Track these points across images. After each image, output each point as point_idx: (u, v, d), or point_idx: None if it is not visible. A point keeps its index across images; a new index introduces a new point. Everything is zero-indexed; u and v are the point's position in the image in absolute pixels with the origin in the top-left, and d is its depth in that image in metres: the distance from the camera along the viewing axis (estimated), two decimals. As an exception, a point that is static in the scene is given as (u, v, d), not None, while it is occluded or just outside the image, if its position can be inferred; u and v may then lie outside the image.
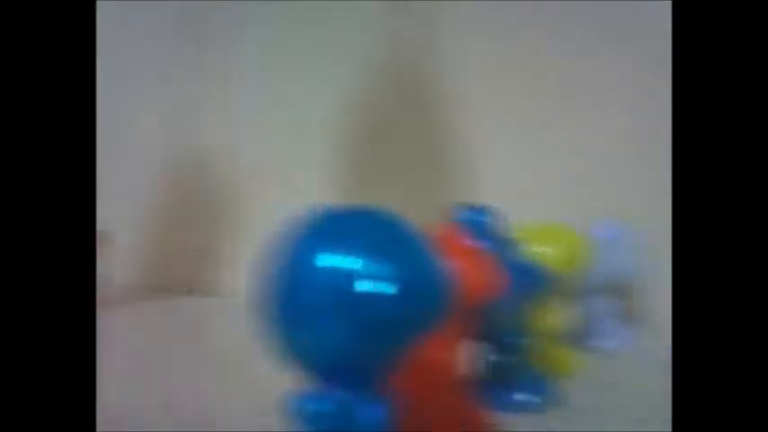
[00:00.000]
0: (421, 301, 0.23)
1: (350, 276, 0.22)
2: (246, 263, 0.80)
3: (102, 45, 0.99)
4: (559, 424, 0.39)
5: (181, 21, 0.93)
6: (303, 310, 0.22)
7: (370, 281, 0.22)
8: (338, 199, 0.80)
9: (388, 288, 0.22)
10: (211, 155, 0.92)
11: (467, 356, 0.36)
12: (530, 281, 0.41)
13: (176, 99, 0.94)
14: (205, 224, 0.92)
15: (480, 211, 0.40)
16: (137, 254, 0.95)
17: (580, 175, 0.67)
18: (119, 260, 0.83)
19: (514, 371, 0.41)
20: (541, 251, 0.45)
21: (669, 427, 0.27)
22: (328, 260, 0.22)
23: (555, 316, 0.47)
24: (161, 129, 0.95)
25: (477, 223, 0.39)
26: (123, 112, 0.97)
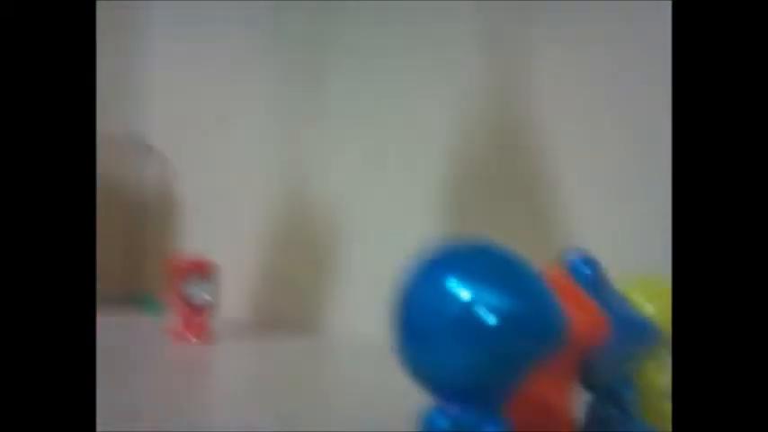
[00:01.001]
0: (539, 334, 0.25)
1: (476, 307, 0.25)
2: (350, 303, 0.83)
3: (216, 85, 1.08)
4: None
5: (299, 72, 1.00)
6: (433, 337, 0.25)
7: (494, 312, 0.25)
8: (438, 235, 0.82)
9: (510, 320, 0.25)
10: (319, 197, 0.97)
11: (574, 401, 0.37)
12: (636, 333, 0.41)
13: (289, 142, 1.00)
14: (310, 263, 0.96)
15: (588, 259, 0.41)
16: (244, 289, 1.00)
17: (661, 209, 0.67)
18: (228, 294, 0.87)
19: (619, 422, 0.41)
20: (650, 307, 0.45)
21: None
22: (458, 291, 0.25)
23: (662, 371, 0.47)
24: (272, 170, 1.01)
25: (586, 271, 0.40)
26: (238, 152, 1.04)
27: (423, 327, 0.26)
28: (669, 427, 0.46)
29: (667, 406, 0.48)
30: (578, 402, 0.41)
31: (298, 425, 0.47)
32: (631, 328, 0.41)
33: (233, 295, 0.93)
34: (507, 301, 0.25)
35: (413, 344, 0.26)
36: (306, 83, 0.99)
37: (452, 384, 0.26)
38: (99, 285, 0.32)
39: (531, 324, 0.25)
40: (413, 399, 0.28)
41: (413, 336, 0.26)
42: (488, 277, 0.25)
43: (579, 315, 0.33)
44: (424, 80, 0.87)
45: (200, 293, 0.82)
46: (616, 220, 0.70)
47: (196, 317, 0.82)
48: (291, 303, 0.98)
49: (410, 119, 0.88)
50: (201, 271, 0.83)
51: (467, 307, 0.25)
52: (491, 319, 0.24)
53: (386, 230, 0.88)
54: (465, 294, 0.25)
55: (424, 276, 0.27)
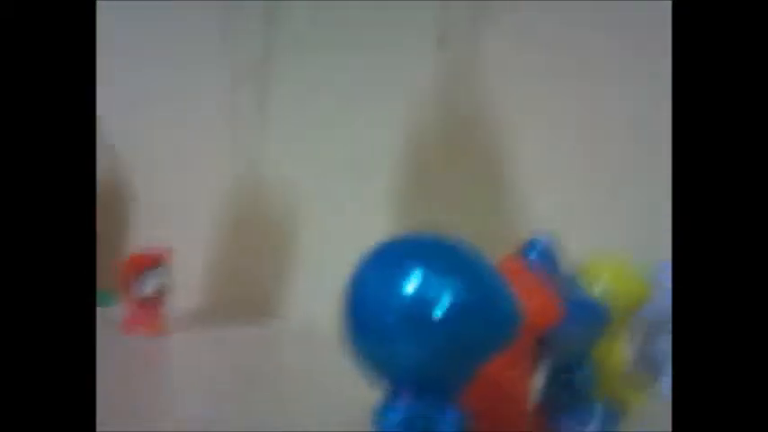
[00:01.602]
0: (493, 322, 0.25)
1: (427, 298, 0.24)
2: (307, 290, 0.82)
3: (168, 75, 1.05)
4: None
5: (244, 51, 0.98)
6: (385, 330, 0.25)
7: (446, 302, 0.24)
8: (394, 227, 0.82)
9: (461, 311, 0.24)
10: (271, 184, 0.95)
11: (530, 382, 0.37)
12: (588, 314, 0.42)
13: (238, 128, 0.98)
14: (265, 250, 0.95)
15: (540, 244, 0.41)
16: (200, 277, 0.98)
17: (629, 201, 0.68)
18: (182, 284, 0.86)
19: (573, 400, 0.42)
20: (600, 287, 0.46)
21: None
22: (408, 283, 0.25)
23: (616, 351, 0.48)
24: (224, 156, 1.00)
25: (537, 257, 0.40)
26: (191, 140, 1.02)
27: (373, 320, 0.25)
28: (625, 401, 0.47)
29: (620, 385, 0.49)
30: (533, 384, 0.42)
31: (256, 416, 0.47)
32: (583, 309, 0.41)
33: (187, 285, 0.91)
34: (458, 292, 0.25)
35: (363, 337, 0.26)
36: (259, 70, 0.97)
37: (404, 377, 0.25)
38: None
39: (483, 314, 0.25)
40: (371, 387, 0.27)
41: (363, 329, 0.26)
42: (438, 268, 0.25)
43: (533, 300, 0.33)
44: (379, 68, 0.86)
45: (152, 284, 0.80)
46: (575, 207, 0.71)
47: (148, 308, 0.80)
48: (247, 292, 0.96)
49: (366, 106, 0.87)
50: (153, 261, 0.81)
51: (416, 299, 0.24)
52: (441, 311, 0.24)
53: (342, 217, 0.87)
54: (414, 286, 0.24)
55: (373, 269, 0.26)
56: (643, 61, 0.69)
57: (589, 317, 0.42)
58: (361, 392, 0.28)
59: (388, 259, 0.26)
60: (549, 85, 0.74)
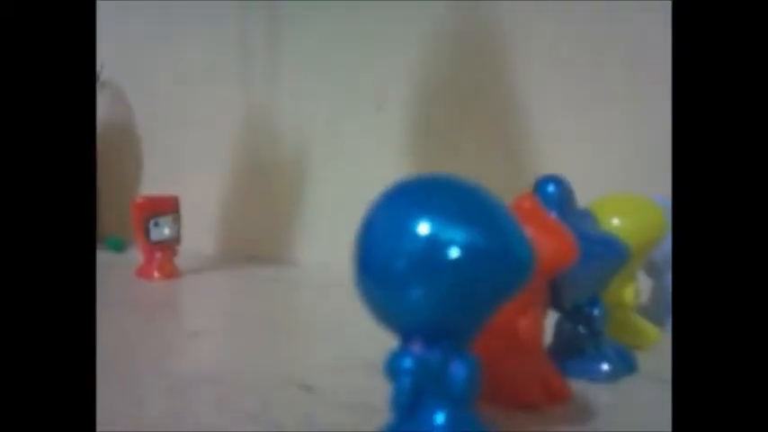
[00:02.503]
0: (507, 266, 0.24)
1: (439, 243, 0.23)
2: (320, 234, 0.82)
3: (173, 20, 1.03)
4: (630, 393, 0.39)
5: (260, 6, 0.95)
6: (396, 276, 0.24)
7: (458, 247, 0.23)
8: (406, 171, 0.81)
9: (473, 254, 0.23)
10: (283, 128, 0.94)
11: (543, 325, 0.37)
12: (604, 252, 0.41)
13: (253, 73, 0.97)
14: (278, 195, 0.95)
15: (554, 181, 0.40)
16: (212, 223, 0.99)
17: (647, 144, 0.66)
18: (193, 229, 0.86)
19: (588, 340, 0.42)
20: (617, 223, 0.45)
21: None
22: (418, 226, 0.24)
23: (630, 288, 0.47)
24: (234, 100, 0.98)
25: (551, 194, 0.39)
26: (200, 84, 1.01)
27: (383, 265, 0.24)
28: (637, 341, 0.47)
29: (635, 323, 0.48)
30: (546, 323, 0.41)
31: (271, 359, 0.47)
32: (599, 246, 0.41)
33: (198, 230, 0.91)
34: (470, 235, 0.24)
35: (374, 283, 0.25)
36: (268, 14, 0.95)
37: (416, 323, 0.25)
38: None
39: (497, 258, 0.24)
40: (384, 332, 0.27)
41: (373, 274, 0.25)
42: (450, 212, 0.24)
43: (548, 240, 0.32)
44: (389, 13, 0.83)
45: (162, 229, 0.80)
46: (591, 149, 0.69)
47: (159, 253, 0.80)
48: (259, 236, 0.96)
49: (377, 46, 0.84)
50: (163, 206, 0.81)
51: (427, 243, 0.23)
52: (452, 254, 0.23)
53: (355, 161, 0.86)
54: (425, 230, 0.24)
55: (383, 213, 0.25)
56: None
57: (606, 254, 0.41)
58: (375, 338, 0.27)
59: (399, 203, 0.25)
60: (566, 29, 0.71)
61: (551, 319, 0.41)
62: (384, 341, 0.27)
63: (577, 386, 0.38)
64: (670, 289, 0.55)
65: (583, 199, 0.43)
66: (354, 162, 0.87)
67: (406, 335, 0.25)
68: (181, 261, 0.81)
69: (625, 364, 0.42)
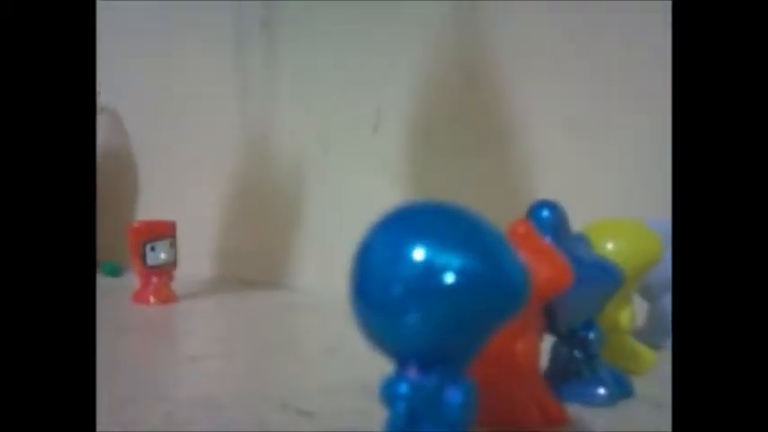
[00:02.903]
0: (502, 292, 0.25)
1: (435, 268, 0.24)
2: (313, 256, 0.82)
3: (170, 45, 1.04)
4: (626, 417, 0.40)
5: (255, 26, 0.96)
6: (392, 301, 0.24)
7: (454, 273, 0.24)
8: (403, 193, 0.81)
9: (469, 280, 0.24)
10: (279, 151, 0.95)
11: (539, 349, 0.37)
12: (599, 276, 0.41)
13: (249, 96, 0.97)
14: (274, 218, 0.95)
15: (548, 207, 0.41)
16: (208, 247, 0.99)
17: (640, 168, 0.67)
18: (190, 253, 0.86)
19: (584, 364, 0.42)
20: (611, 247, 0.45)
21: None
22: (414, 252, 0.24)
23: (626, 312, 0.48)
24: (230, 123, 0.99)
25: (545, 219, 0.40)
26: (196, 107, 1.02)
27: (379, 291, 0.25)
28: (633, 365, 0.47)
29: (631, 347, 0.48)
30: (543, 347, 0.42)
31: (269, 385, 0.47)
32: (593, 271, 0.41)
33: (194, 254, 0.91)
34: (466, 261, 0.24)
35: (370, 309, 0.25)
36: (263, 37, 0.96)
37: (411, 349, 0.25)
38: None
39: (492, 284, 0.24)
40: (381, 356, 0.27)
41: (369, 300, 0.25)
42: (446, 238, 0.24)
43: (542, 266, 0.33)
44: (387, 33, 0.84)
45: (159, 254, 0.80)
46: (589, 172, 0.70)
47: (155, 277, 0.80)
48: (255, 260, 0.96)
49: (372, 72, 0.85)
50: (160, 231, 0.81)
51: (424, 269, 0.24)
52: (448, 280, 0.24)
53: (352, 184, 0.87)
54: (421, 256, 0.24)
55: (379, 239, 0.26)
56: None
57: (601, 279, 0.42)
58: (373, 362, 0.28)
59: (395, 229, 0.26)
60: (563, 48, 0.72)
61: (548, 343, 0.41)
62: (381, 365, 0.27)
63: (574, 410, 0.39)
64: (666, 312, 0.56)
65: (577, 222, 0.44)
66: (351, 185, 0.87)
67: (402, 360, 0.26)
68: (177, 285, 0.81)
69: (621, 388, 0.42)
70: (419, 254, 0.24)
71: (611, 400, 0.41)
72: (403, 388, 0.25)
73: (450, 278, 0.24)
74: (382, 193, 0.82)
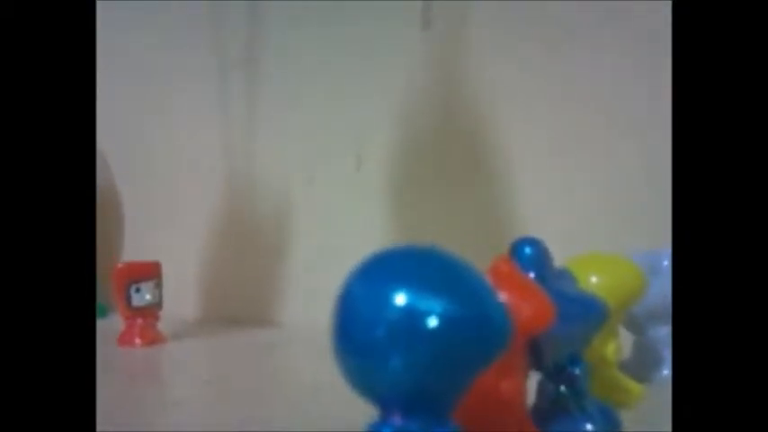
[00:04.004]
0: (485, 335, 0.25)
1: (417, 313, 0.24)
2: (299, 293, 0.82)
3: (155, 80, 1.05)
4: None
5: (237, 62, 0.97)
6: (375, 346, 0.24)
7: (436, 316, 0.24)
8: (383, 224, 0.81)
9: (451, 324, 0.24)
10: (263, 188, 0.95)
11: (525, 387, 0.37)
12: (583, 311, 0.41)
13: (232, 135, 0.98)
14: (258, 256, 0.95)
15: (530, 243, 0.41)
16: (193, 287, 0.98)
17: (622, 202, 0.68)
18: (176, 294, 0.86)
19: (572, 400, 0.42)
20: (595, 281, 0.46)
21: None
22: (395, 296, 0.24)
23: (612, 345, 0.47)
24: (213, 160, 0.99)
25: (528, 256, 0.40)
26: (180, 145, 1.02)
27: (360, 335, 0.25)
28: (620, 399, 0.47)
29: (619, 380, 0.48)
30: (528, 384, 0.41)
31: (255, 422, 0.46)
32: (578, 306, 0.41)
33: (180, 294, 0.90)
34: (447, 304, 0.24)
35: (351, 353, 0.25)
36: (246, 72, 0.96)
37: (394, 394, 0.25)
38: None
39: (475, 327, 0.24)
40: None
41: (351, 344, 0.25)
42: (428, 282, 0.25)
43: (525, 304, 0.33)
44: (368, 67, 0.85)
45: (144, 295, 0.79)
46: (572, 210, 0.70)
47: (141, 319, 0.79)
48: (241, 298, 0.96)
49: (355, 106, 0.86)
50: (144, 272, 0.81)
51: (406, 313, 0.24)
52: (430, 324, 0.24)
53: (336, 219, 0.87)
54: (404, 301, 0.24)
55: (361, 284, 0.26)
56: (644, 46, 0.68)
57: (586, 314, 0.42)
58: (357, 403, 0.27)
59: (375, 274, 0.26)
60: (542, 71, 0.73)
61: (533, 379, 0.41)
62: (368, 406, 0.27)
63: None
64: (652, 344, 0.56)
65: (562, 254, 0.44)
66: (335, 220, 0.87)
67: (386, 406, 0.25)
68: (163, 326, 0.81)
69: (609, 423, 0.42)
70: (400, 299, 0.24)
71: (599, 436, 0.41)
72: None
73: (432, 322, 0.24)
74: (368, 227, 0.82)
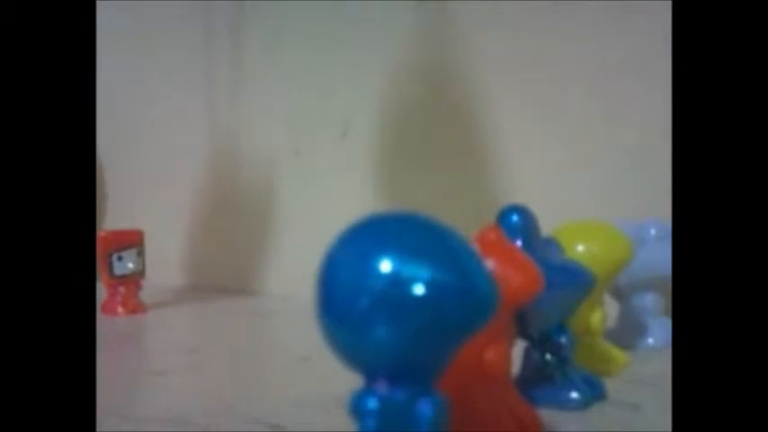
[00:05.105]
0: (471, 303, 0.24)
1: (402, 280, 0.23)
2: (285, 262, 0.81)
3: (136, 51, 1.03)
4: (600, 420, 0.39)
5: (222, 30, 0.95)
6: (358, 314, 0.24)
7: (422, 284, 0.23)
8: (370, 196, 0.81)
9: (437, 291, 0.23)
10: (250, 158, 0.94)
11: (511, 355, 0.37)
12: (570, 280, 0.41)
13: (217, 102, 0.96)
14: (244, 225, 0.94)
15: (517, 211, 0.40)
16: (177, 255, 0.97)
17: (608, 173, 0.67)
18: (160, 262, 0.85)
19: (557, 369, 0.42)
20: (582, 250, 0.45)
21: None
22: (380, 264, 0.23)
23: (597, 314, 0.47)
24: (197, 128, 0.98)
25: (515, 223, 0.40)
26: (164, 114, 1.00)
27: (345, 303, 0.24)
28: (605, 367, 0.47)
29: (603, 349, 0.48)
30: (514, 353, 0.41)
31: (239, 399, 0.46)
32: (564, 275, 0.41)
33: (164, 263, 0.90)
34: (433, 272, 0.23)
35: (336, 322, 0.25)
36: (231, 42, 0.94)
37: (380, 362, 0.24)
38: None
39: (460, 294, 0.24)
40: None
41: (335, 313, 0.25)
42: (414, 249, 0.24)
43: (513, 273, 0.32)
44: (356, 39, 0.84)
45: (126, 263, 0.79)
46: (559, 180, 0.70)
47: (123, 287, 0.78)
48: (225, 267, 0.95)
49: (342, 75, 0.85)
50: (127, 240, 0.79)
51: (391, 281, 0.23)
52: (416, 291, 0.23)
53: (323, 189, 0.86)
54: (387, 267, 0.23)
55: (345, 251, 0.25)
56: (634, 15, 0.67)
57: (572, 283, 0.42)
58: (343, 373, 0.27)
59: (360, 241, 0.25)
60: (530, 42, 0.72)
61: (519, 348, 0.41)
62: (354, 376, 0.26)
63: (547, 415, 0.38)
64: (636, 312, 0.56)
65: (548, 226, 0.43)
66: (322, 190, 0.86)
67: (371, 374, 0.25)
68: (146, 295, 0.80)
69: (594, 392, 0.42)
70: (386, 266, 0.24)
71: (584, 404, 0.41)
72: (372, 403, 0.24)
73: (418, 289, 0.23)
74: (354, 197, 0.81)
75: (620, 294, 0.57)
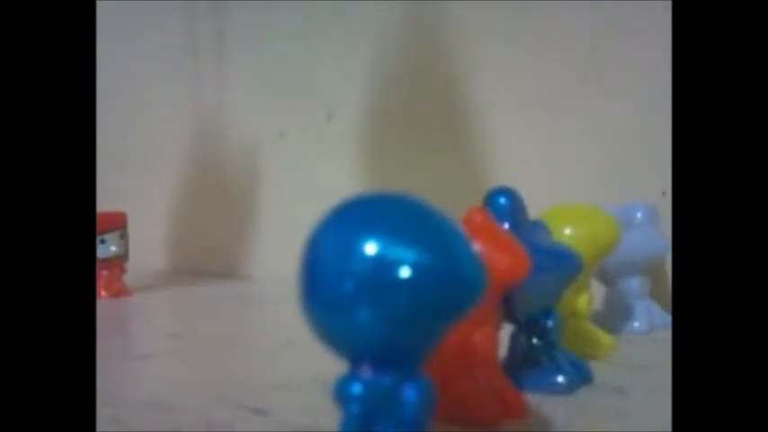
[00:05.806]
0: (458, 287, 0.24)
1: (387, 263, 0.23)
2: (270, 246, 0.81)
3: (122, 29, 1.01)
4: (587, 404, 0.39)
5: (206, 11, 0.94)
6: (342, 298, 0.23)
7: (407, 267, 0.23)
8: (355, 179, 0.80)
9: (425, 274, 0.23)
10: (233, 140, 0.93)
11: (497, 339, 0.37)
12: (557, 263, 0.41)
13: (200, 85, 0.95)
14: (228, 206, 0.93)
15: (505, 193, 0.40)
16: (160, 237, 0.96)
17: (595, 156, 0.67)
18: (143, 245, 0.84)
19: (543, 353, 0.41)
20: (569, 233, 0.45)
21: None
22: (365, 247, 0.23)
23: (584, 298, 0.47)
24: (183, 115, 0.96)
25: (502, 206, 0.39)
26: (148, 95, 0.99)
27: (328, 286, 0.24)
28: (592, 351, 0.47)
29: (590, 333, 0.48)
30: (501, 336, 0.41)
31: (223, 383, 0.45)
32: (551, 258, 0.40)
33: (147, 246, 0.89)
34: (419, 254, 0.23)
35: (319, 306, 0.24)
36: (216, 24, 0.93)
37: (364, 347, 0.24)
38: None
39: (446, 278, 0.23)
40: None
41: (319, 297, 0.24)
42: (398, 230, 0.23)
43: (500, 255, 0.32)
44: (342, 20, 0.83)
45: (109, 246, 0.78)
46: (546, 159, 0.69)
47: (106, 270, 0.77)
48: (209, 250, 0.94)
49: (328, 57, 0.84)
50: (109, 223, 0.78)
51: (374, 262, 0.23)
52: (402, 274, 0.22)
53: (307, 172, 0.85)
54: (372, 249, 0.23)
55: (328, 232, 0.24)
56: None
57: (560, 266, 0.41)
58: (328, 356, 0.26)
59: (345, 222, 0.24)
60: (518, 24, 0.72)
61: (506, 331, 0.41)
62: (339, 360, 0.26)
63: (533, 399, 0.38)
64: (623, 296, 0.56)
65: (535, 210, 0.43)
66: (307, 173, 0.86)
67: (355, 359, 0.24)
68: (129, 278, 0.79)
69: (581, 375, 0.42)
70: (370, 248, 0.23)
71: (571, 388, 0.41)
72: (356, 388, 0.24)
73: (403, 272, 0.23)
74: (339, 180, 0.81)
75: (606, 278, 0.56)
